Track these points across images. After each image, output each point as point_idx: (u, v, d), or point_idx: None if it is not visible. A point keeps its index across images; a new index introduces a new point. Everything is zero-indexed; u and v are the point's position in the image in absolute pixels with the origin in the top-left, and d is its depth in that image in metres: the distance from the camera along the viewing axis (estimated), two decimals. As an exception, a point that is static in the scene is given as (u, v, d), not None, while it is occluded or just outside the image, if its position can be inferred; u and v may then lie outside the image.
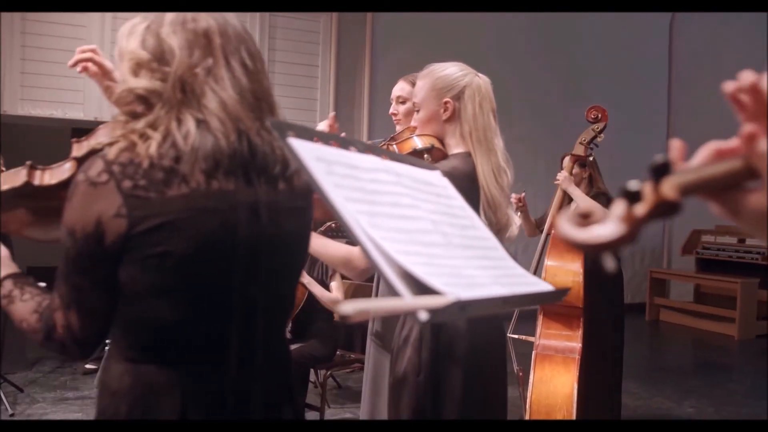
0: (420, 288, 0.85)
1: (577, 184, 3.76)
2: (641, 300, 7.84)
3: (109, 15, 5.82)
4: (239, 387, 1.08)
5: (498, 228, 1.86)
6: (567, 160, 3.84)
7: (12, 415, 3.96)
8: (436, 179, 1.25)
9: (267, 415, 1.11)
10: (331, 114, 2.18)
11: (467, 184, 1.76)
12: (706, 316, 7.28)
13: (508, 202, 1.90)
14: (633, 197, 0.63)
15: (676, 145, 0.66)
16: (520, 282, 1.10)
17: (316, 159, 0.91)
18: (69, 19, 5.73)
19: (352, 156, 1.03)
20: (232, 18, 1.14)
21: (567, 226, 0.63)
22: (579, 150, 3.69)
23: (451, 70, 1.93)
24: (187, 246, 1.01)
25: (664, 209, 0.62)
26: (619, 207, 0.64)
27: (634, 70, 7.99)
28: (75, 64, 1.54)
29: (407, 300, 0.74)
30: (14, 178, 1.18)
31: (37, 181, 1.16)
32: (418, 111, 1.97)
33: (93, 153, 1.09)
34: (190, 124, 1.03)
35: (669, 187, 0.61)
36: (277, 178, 1.10)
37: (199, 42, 1.08)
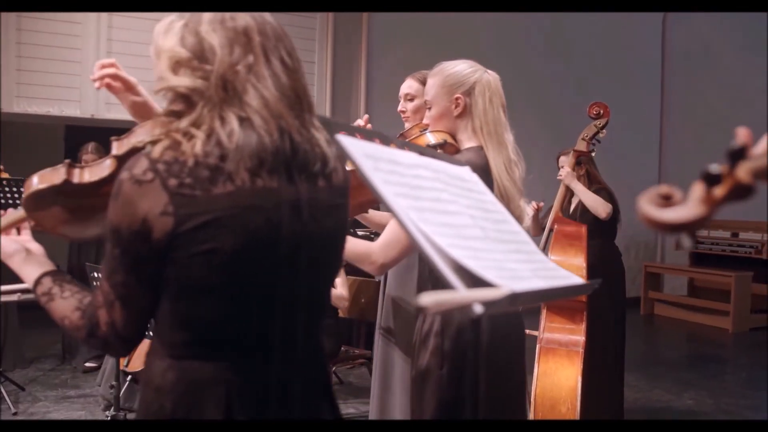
0: (470, 282, 0.87)
1: None
2: (636, 294, 7.90)
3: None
4: (282, 382, 1.10)
5: None
6: (569, 156, 3.88)
7: (15, 413, 3.95)
8: (467, 175, 1.28)
9: (307, 410, 1.13)
10: (365, 116, 2.18)
11: (482, 177, 1.79)
12: (701, 310, 7.35)
13: (520, 195, 1.93)
14: (711, 180, 0.66)
15: (744, 132, 0.69)
16: (555, 275, 1.12)
17: (365, 155, 0.93)
18: (64, 16, 5.69)
19: (394, 152, 1.04)
20: (269, 16, 1.15)
21: (648, 207, 0.66)
22: (581, 146, 3.72)
23: (461, 67, 1.96)
24: (234, 243, 1.02)
25: (740, 192, 0.65)
26: (698, 189, 0.67)
27: (627, 69, 8.04)
28: (98, 80, 1.49)
29: (476, 292, 0.76)
30: (52, 176, 1.18)
31: (76, 179, 1.17)
32: (429, 108, 1.99)
33: (134, 151, 1.09)
34: (233, 122, 1.03)
35: (744, 171, 0.64)
36: (316, 176, 1.11)
37: (240, 40, 1.08)
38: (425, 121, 2.05)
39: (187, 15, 1.13)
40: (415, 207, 0.92)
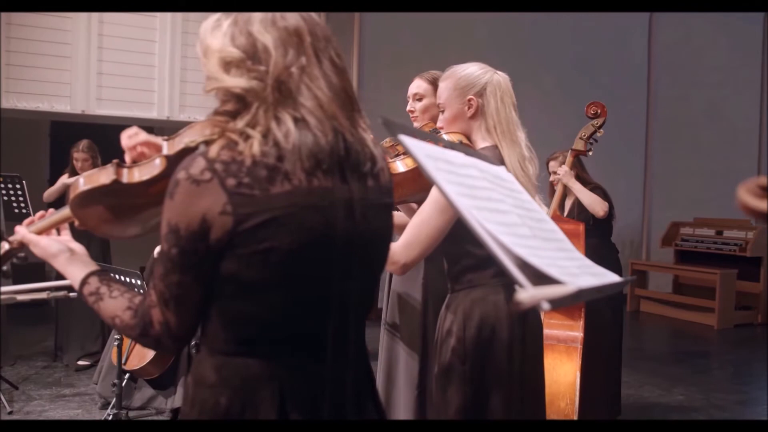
0: (533, 278, 0.90)
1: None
2: (622, 291, 8.00)
3: (94, 7, 5.74)
4: (335, 380, 1.11)
5: None
6: (558, 161, 3.97)
7: (10, 412, 3.91)
8: (504, 174, 1.30)
9: (357, 409, 1.14)
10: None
11: None
12: (686, 307, 7.46)
13: (535, 191, 1.97)
14: None
15: None
16: (596, 272, 1.15)
17: (426, 156, 0.95)
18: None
19: (446, 152, 1.07)
20: (316, 16, 1.16)
21: (747, 196, 0.70)
22: (579, 145, 3.78)
23: (472, 69, 1.99)
24: (291, 242, 1.03)
25: None
26: None
27: (613, 68, 8.11)
28: (131, 150, 1.40)
29: (553, 288, 0.78)
30: (100, 176, 1.18)
31: (125, 179, 1.17)
32: (443, 112, 2.02)
33: (186, 151, 1.10)
34: (289, 122, 1.04)
35: None
36: (366, 176, 1.13)
37: (292, 41, 1.09)
38: (439, 124, 2.08)
39: (232, 13, 1.14)
40: (476, 206, 0.95)
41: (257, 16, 1.11)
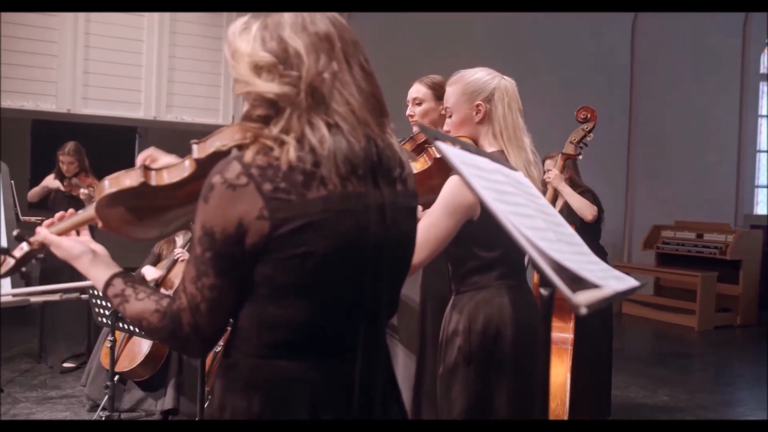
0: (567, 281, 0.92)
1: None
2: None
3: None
4: (365, 380, 1.12)
5: None
6: (555, 159, 3.99)
7: (-3, 415, 3.87)
8: (523, 179, 1.33)
9: (384, 409, 1.16)
10: None
11: None
12: (667, 309, 7.57)
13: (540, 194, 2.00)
14: None
15: None
16: (617, 276, 1.18)
17: (462, 163, 0.97)
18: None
19: (476, 158, 1.09)
20: (341, 18, 1.17)
21: None
22: (569, 149, 3.82)
23: (480, 74, 2.02)
24: (326, 246, 1.04)
25: None
26: None
27: (596, 70, 8.20)
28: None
29: (602, 291, 0.80)
30: (126, 179, 1.18)
31: (153, 182, 1.17)
32: (450, 116, 2.04)
33: (217, 155, 1.11)
34: (323, 128, 1.05)
35: None
36: (396, 180, 1.14)
37: (323, 46, 1.10)
38: (446, 128, 2.10)
39: (261, 15, 1.14)
40: (509, 211, 0.97)
41: (287, 20, 1.11)
